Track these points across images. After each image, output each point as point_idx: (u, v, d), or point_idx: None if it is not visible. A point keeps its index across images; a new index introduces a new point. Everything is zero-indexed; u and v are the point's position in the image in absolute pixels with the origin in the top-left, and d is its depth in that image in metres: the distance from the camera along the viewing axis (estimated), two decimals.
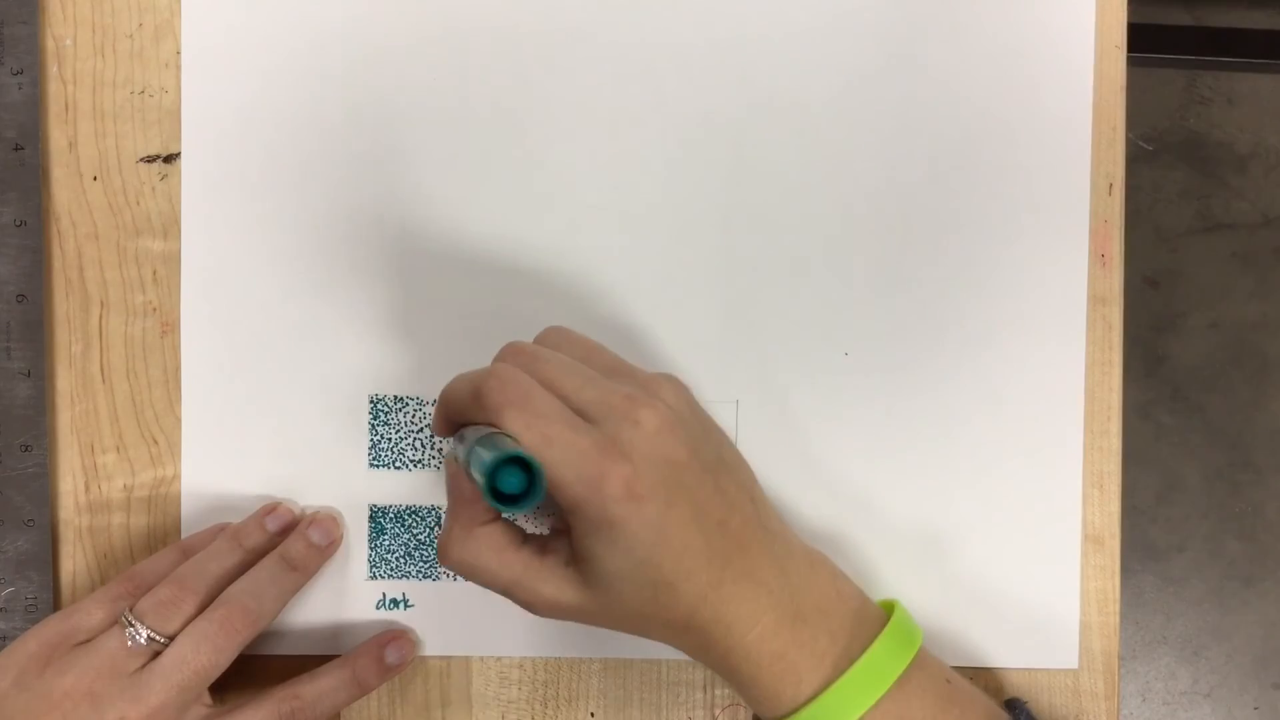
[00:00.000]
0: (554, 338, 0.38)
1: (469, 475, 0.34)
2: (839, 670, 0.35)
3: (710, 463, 0.35)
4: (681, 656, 0.43)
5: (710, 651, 0.35)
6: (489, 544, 0.35)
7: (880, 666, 0.35)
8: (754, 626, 0.35)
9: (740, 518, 0.35)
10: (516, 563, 0.35)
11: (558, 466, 0.32)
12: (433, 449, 0.43)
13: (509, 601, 0.35)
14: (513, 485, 0.31)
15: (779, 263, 0.43)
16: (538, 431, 0.33)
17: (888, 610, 0.38)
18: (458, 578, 0.43)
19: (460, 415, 0.36)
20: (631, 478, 0.32)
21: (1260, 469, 1.19)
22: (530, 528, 0.37)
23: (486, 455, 0.31)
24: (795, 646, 0.35)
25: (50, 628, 0.38)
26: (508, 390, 0.33)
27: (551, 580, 0.35)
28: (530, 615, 0.35)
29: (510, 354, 0.36)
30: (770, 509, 0.37)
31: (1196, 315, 1.19)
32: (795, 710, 0.35)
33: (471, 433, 0.35)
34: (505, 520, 0.36)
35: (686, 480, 0.34)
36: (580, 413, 0.34)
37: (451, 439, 0.37)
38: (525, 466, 0.31)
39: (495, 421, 0.33)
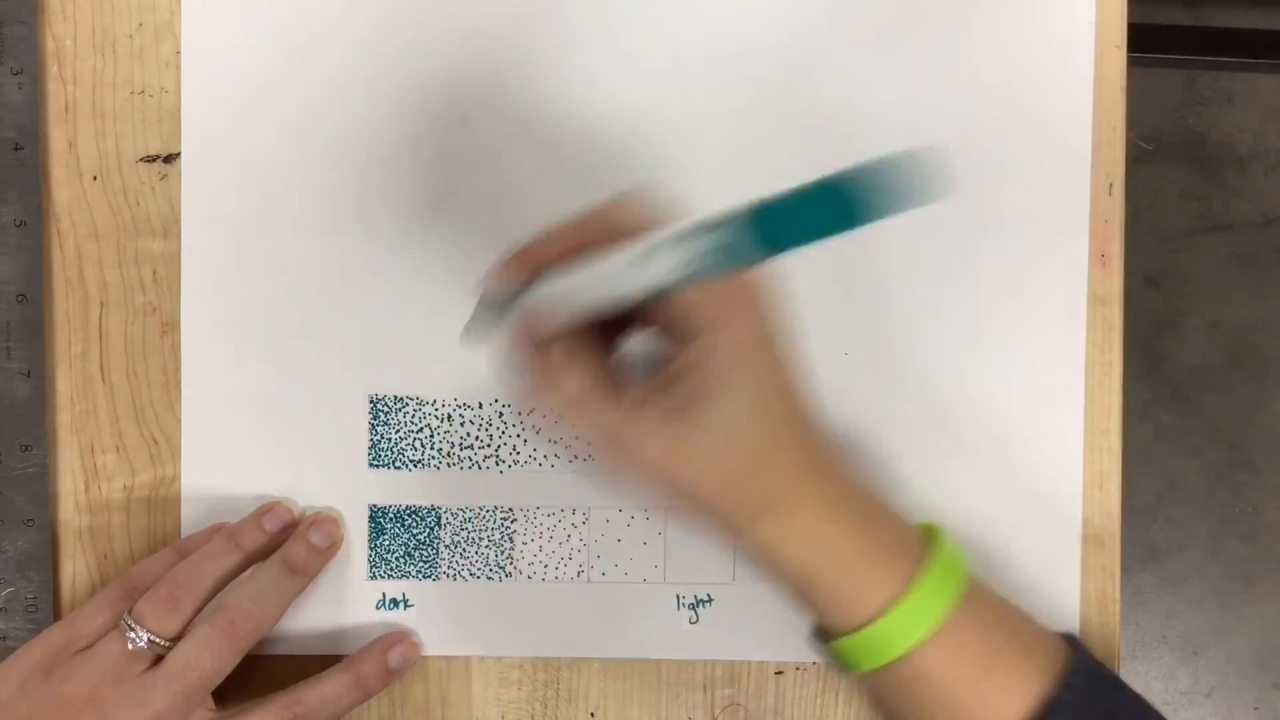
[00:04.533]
0: None
1: (650, 292, 0.30)
2: (916, 573, 0.35)
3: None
4: (681, 656, 0.43)
5: (792, 543, 0.34)
6: (593, 380, 0.33)
7: (953, 568, 0.36)
8: (841, 518, 0.35)
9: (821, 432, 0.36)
10: (619, 406, 0.33)
11: (711, 289, 0.31)
12: (432, 448, 0.43)
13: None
14: (822, 213, 0.23)
15: (779, 262, 0.43)
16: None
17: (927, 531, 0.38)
18: (457, 577, 0.42)
19: (585, 242, 0.33)
20: (777, 330, 0.33)
21: (1260, 469, 1.19)
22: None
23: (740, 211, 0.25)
24: (878, 545, 0.35)
25: (52, 636, 0.38)
26: (653, 208, 0.32)
27: (650, 433, 0.33)
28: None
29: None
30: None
31: (1196, 315, 1.19)
32: (893, 602, 0.34)
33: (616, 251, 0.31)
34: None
35: (796, 385, 0.34)
36: None
37: (500, 285, 0.35)
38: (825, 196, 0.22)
39: (653, 229, 0.31)
